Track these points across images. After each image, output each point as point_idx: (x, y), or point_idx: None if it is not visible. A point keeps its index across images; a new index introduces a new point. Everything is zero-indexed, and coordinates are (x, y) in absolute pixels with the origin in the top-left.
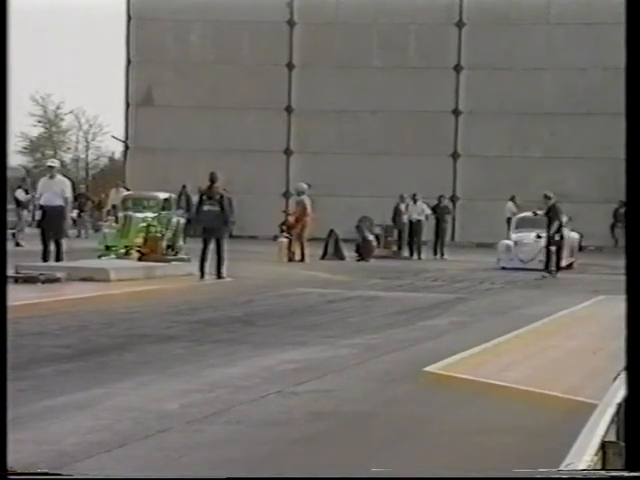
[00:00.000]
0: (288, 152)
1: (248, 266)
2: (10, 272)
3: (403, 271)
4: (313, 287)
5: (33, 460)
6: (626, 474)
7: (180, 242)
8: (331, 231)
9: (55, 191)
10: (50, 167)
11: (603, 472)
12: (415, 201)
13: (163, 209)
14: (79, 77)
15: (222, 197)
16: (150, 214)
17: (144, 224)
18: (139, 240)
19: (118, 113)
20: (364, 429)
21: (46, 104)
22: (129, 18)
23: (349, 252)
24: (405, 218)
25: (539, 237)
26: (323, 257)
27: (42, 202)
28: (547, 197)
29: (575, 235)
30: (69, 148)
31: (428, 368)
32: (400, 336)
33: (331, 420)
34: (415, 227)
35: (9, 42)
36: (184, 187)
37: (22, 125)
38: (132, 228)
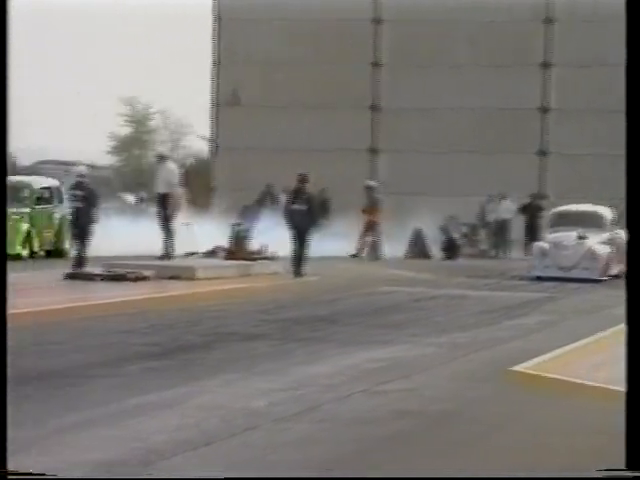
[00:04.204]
0: (372, 151)
1: (333, 264)
2: (99, 270)
3: (490, 270)
4: (398, 286)
5: (121, 457)
6: (626, 474)
7: (67, 244)
8: (416, 230)
9: (163, 179)
10: (159, 156)
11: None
12: (503, 200)
13: (39, 202)
14: (167, 77)
15: (311, 197)
16: (19, 209)
17: (9, 223)
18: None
19: (205, 113)
20: (449, 428)
21: (135, 104)
22: (216, 19)
23: (435, 251)
24: (492, 217)
25: (581, 238)
26: (408, 255)
27: (156, 190)
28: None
29: None
30: (157, 147)
31: (516, 367)
32: (487, 335)
33: (416, 419)
34: (502, 226)
35: (9, 42)
36: (269, 186)
37: (111, 125)
38: None
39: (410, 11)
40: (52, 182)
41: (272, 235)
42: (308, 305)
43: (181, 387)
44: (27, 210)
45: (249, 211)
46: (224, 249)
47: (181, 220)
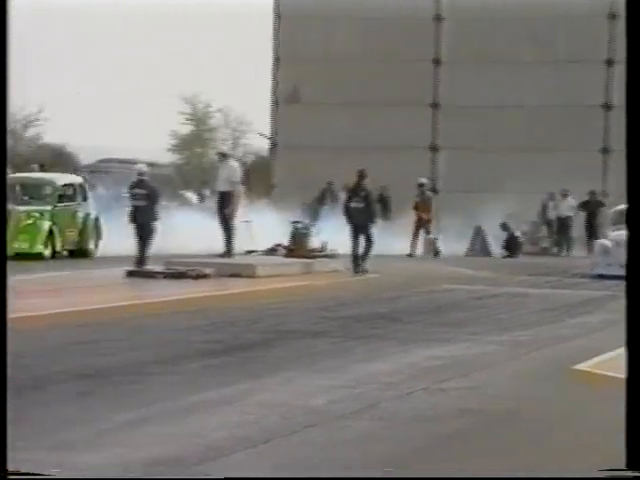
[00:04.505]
0: (433, 148)
1: (393, 262)
2: (160, 268)
3: (552, 268)
4: (459, 284)
5: (181, 454)
6: (626, 474)
7: (91, 244)
8: (477, 227)
9: (225, 177)
10: (220, 154)
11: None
12: (564, 197)
13: (62, 199)
14: (227, 75)
15: (368, 194)
16: (40, 207)
17: (29, 221)
18: (24, 244)
19: (265, 111)
20: (510, 427)
21: (195, 103)
22: (277, 16)
23: (496, 249)
24: (553, 214)
25: None
26: (469, 253)
27: (217, 188)
28: None
29: None
30: (219, 145)
31: (578, 366)
32: (549, 333)
33: (477, 417)
34: (564, 223)
35: (9, 42)
36: (329, 183)
37: (172, 123)
38: (11, 226)
39: (470, 8)
40: (76, 179)
41: (332, 233)
42: (368, 303)
43: (241, 384)
44: (49, 208)
45: (309, 209)
46: (284, 247)
47: (241, 218)
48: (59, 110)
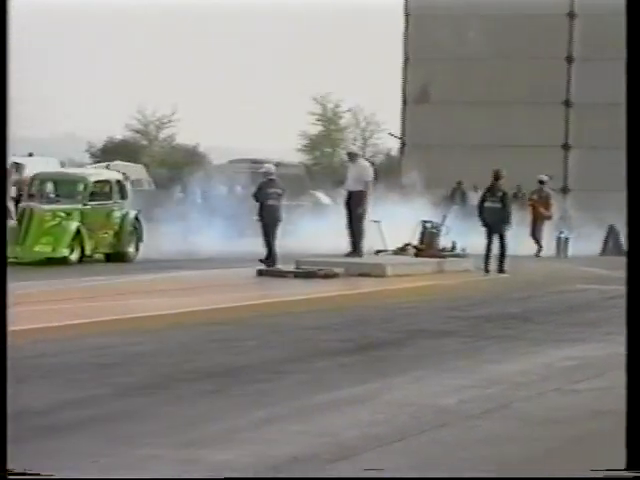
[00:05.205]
0: (566, 147)
1: (524, 262)
2: (290, 267)
3: None
4: (592, 283)
5: (313, 451)
6: (626, 474)
7: (130, 247)
8: (611, 227)
9: (355, 177)
10: (350, 154)
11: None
12: None
13: (95, 197)
14: (357, 75)
15: (505, 194)
16: (68, 206)
17: (54, 222)
18: (46, 248)
19: (395, 110)
20: None
21: (325, 103)
22: (407, 15)
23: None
24: None
25: None
26: (602, 253)
27: (346, 187)
28: None
29: None
30: (348, 145)
31: None
32: None
33: (611, 419)
34: None
35: (9, 42)
36: (459, 183)
37: (302, 123)
38: (33, 227)
39: (608, 4)
40: (113, 175)
41: (462, 232)
42: (499, 302)
43: (371, 383)
44: (78, 207)
45: (439, 208)
46: (414, 246)
47: (370, 218)
48: (191, 111)
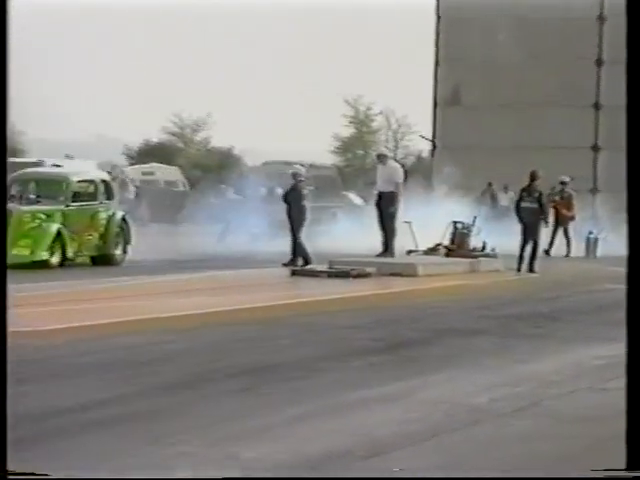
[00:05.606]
0: (596, 149)
1: (553, 262)
2: (324, 267)
3: None
4: (620, 283)
5: (346, 449)
6: (626, 474)
7: (117, 249)
8: None
9: (385, 178)
10: (380, 156)
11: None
12: None
13: (78, 198)
14: (389, 78)
15: (541, 194)
16: (49, 207)
17: (34, 224)
18: (25, 251)
19: (426, 113)
20: None
21: (357, 105)
22: (438, 18)
23: None
24: None
25: None
26: None
27: (377, 189)
28: None
29: None
30: (380, 147)
31: None
32: None
33: None
34: None
35: (9, 43)
36: (489, 185)
37: (335, 126)
38: (10, 230)
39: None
40: (98, 174)
41: (492, 233)
42: (529, 302)
43: (403, 381)
44: (60, 207)
45: (470, 209)
46: (445, 246)
47: (402, 218)
48: (226, 114)
